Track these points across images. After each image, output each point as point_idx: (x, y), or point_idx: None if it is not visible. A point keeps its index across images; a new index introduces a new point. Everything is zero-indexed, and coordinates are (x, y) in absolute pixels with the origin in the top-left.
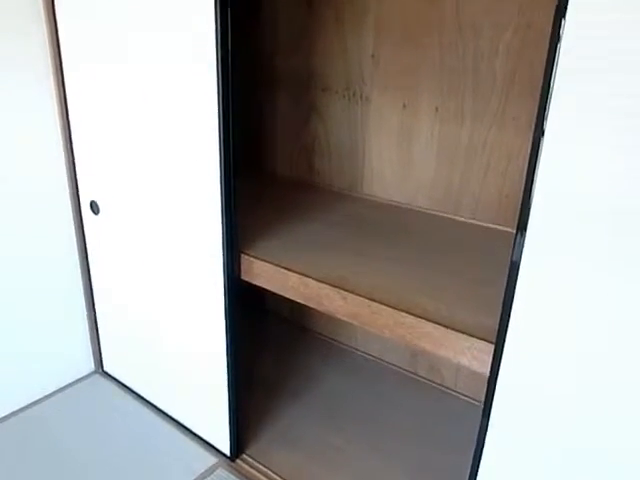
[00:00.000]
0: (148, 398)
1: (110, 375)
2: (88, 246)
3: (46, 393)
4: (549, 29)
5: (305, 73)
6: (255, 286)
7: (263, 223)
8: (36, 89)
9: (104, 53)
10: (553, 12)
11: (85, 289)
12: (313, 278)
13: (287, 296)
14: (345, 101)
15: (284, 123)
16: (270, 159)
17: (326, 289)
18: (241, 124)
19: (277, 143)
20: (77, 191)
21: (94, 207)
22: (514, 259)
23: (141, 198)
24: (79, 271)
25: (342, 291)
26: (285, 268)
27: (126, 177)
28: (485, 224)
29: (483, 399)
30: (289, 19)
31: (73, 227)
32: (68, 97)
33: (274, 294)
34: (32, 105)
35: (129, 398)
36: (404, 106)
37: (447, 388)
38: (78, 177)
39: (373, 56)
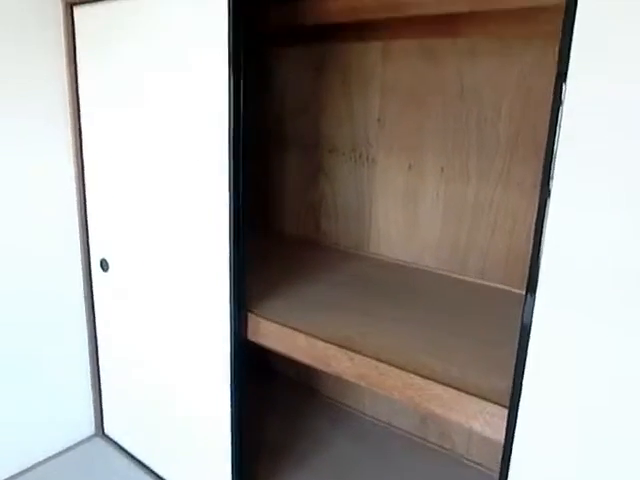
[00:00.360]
0: (148, 464)
1: (111, 438)
2: (96, 304)
3: (46, 456)
4: (550, 92)
5: (313, 135)
6: (259, 346)
7: (269, 282)
8: (54, 143)
9: (121, 115)
10: (553, 76)
11: (90, 349)
12: (320, 339)
13: (294, 357)
14: (352, 162)
15: (291, 183)
16: (277, 218)
17: (333, 350)
18: (249, 184)
19: (284, 203)
20: (88, 248)
21: (104, 264)
22: (525, 321)
23: (151, 256)
24: (85, 331)
25: (349, 352)
26: (292, 328)
27: (136, 235)
28: (492, 284)
29: (498, 469)
30: (298, 83)
31: (82, 284)
32: (84, 155)
33: (279, 354)
34: (50, 162)
35: (129, 463)
36: (410, 167)
37: (458, 455)
38: (90, 234)
39: (379, 120)
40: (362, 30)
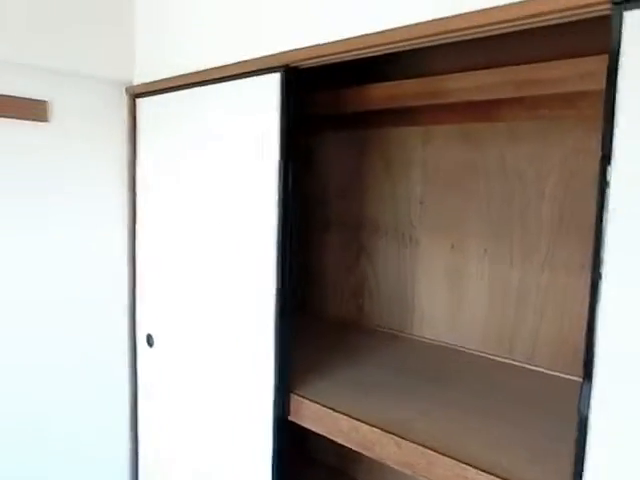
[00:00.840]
0: None
1: None
2: (139, 381)
3: None
4: (593, 172)
5: (355, 216)
6: (298, 428)
7: (311, 362)
8: (109, 221)
9: (174, 198)
10: (596, 157)
11: (131, 427)
12: (365, 422)
13: (337, 441)
14: (394, 243)
15: (333, 263)
16: (318, 298)
17: (378, 434)
18: (294, 266)
19: (326, 283)
20: (134, 322)
21: (150, 340)
22: (582, 411)
23: (196, 334)
24: (128, 408)
25: (396, 437)
26: (335, 410)
27: (184, 313)
28: (541, 369)
29: None
30: (340, 166)
31: (127, 358)
32: (137, 233)
33: (316, 435)
34: (104, 238)
35: None
36: (452, 247)
37: None
38: (137, 309)
39: (421, 202)
40: (402, 115)
